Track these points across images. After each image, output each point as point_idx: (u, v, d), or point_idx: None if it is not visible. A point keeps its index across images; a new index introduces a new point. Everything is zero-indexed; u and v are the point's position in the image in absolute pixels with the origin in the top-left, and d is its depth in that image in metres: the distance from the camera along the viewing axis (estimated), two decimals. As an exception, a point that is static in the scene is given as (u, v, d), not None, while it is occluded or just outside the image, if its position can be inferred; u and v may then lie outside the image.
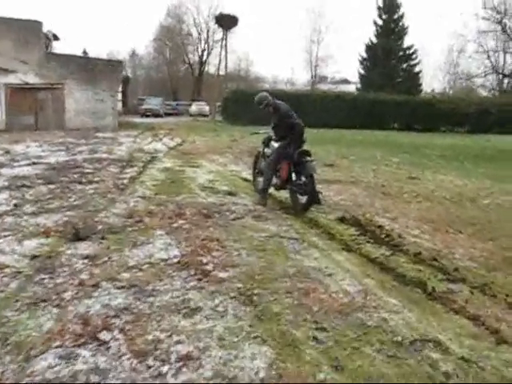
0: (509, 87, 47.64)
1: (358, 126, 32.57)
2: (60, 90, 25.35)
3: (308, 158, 6.91)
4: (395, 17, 50.17)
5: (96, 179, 9.12)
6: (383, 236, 5.74)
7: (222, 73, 47.58)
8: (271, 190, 7.57)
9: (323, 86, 52.60)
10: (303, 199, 6.96)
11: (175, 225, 5.81)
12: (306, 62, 62.06)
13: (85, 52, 29.77)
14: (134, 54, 65.72)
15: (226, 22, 44.72)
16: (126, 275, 4.13)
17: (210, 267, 4.31)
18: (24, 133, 21.02)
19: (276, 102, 7.42)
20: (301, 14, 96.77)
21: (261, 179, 8.00)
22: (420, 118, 35.28)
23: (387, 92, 37.59)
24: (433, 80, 68.00)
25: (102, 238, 5.20)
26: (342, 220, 6.42)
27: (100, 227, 5.64)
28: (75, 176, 9.38)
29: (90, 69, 26.22)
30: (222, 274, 4.16)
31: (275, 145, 7.47)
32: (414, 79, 51.72)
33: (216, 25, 50.22)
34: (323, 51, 60.30)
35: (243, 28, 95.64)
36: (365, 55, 51.21)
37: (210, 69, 58.87)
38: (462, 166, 14.29)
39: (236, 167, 11.78)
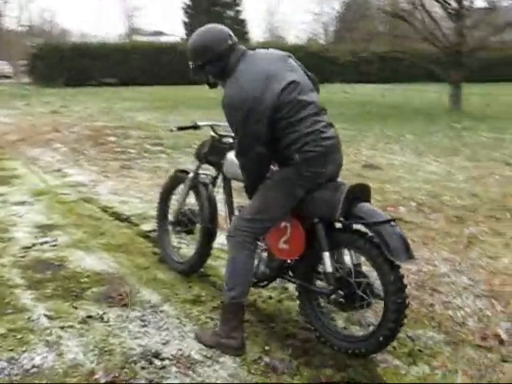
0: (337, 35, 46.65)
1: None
2: None
3: (372, 211, 2.51)
4: (219, -40, 45.90)
5: None
6: None
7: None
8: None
9: (140, 39, 46.41)
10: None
11: None
12: (120, 12, 55.13)
13: None
14: None
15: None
16: None
17: None
18: None
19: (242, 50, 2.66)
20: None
21: (183, 251, 3.45)
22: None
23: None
24: (254, 29, 65.64)
25: None
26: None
27: None
28: None
29: None
30: None
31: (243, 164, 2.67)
32: (240, 27, 48.48)
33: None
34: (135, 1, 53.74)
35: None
36: (188, 2, 46.55)
37: (7, 22, 48.91)
38: (399, 136, 10.71)
39: (81, 174, 6.66)
